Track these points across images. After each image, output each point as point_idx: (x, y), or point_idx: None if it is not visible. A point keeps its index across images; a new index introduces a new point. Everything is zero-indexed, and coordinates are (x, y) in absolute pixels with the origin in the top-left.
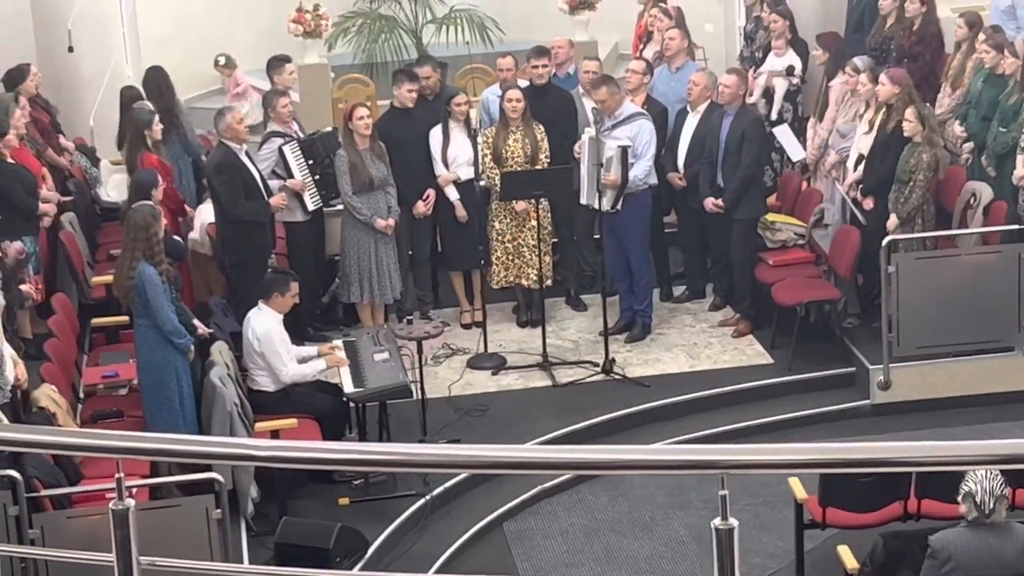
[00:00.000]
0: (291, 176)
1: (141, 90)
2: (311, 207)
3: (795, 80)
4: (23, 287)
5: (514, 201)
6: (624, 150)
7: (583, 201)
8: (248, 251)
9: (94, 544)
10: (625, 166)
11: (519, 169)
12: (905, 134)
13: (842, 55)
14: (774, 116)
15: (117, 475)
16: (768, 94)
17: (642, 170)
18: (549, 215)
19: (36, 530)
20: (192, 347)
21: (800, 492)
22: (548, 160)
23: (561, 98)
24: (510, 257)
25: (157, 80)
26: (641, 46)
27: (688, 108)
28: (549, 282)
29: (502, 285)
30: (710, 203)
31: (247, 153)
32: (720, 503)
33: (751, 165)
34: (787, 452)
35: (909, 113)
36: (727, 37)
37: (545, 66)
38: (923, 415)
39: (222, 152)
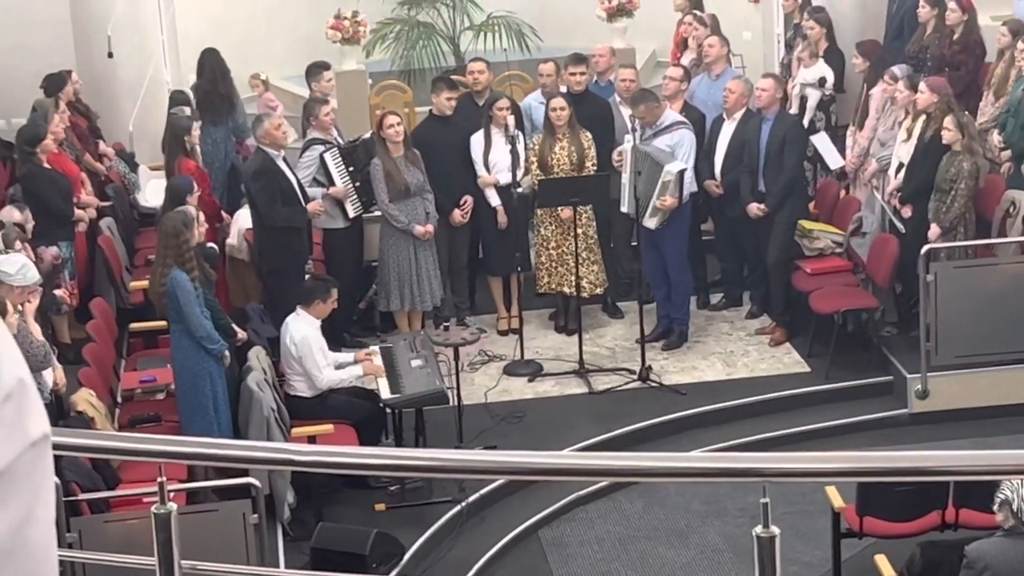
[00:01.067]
0: (332, 183)
1: (189, 94)
2: (352, 213)
3: (827, 91)
4: (57, 292)
5: (558, 208)
6: (682, 173)
7: (624, 209)
8: (285, 257)
9: (131, 548)
10: (682, 189)
11: (557, 176)
12: (944, 142)
13: (882, 63)
14: (805, 124)
15: (159, 479)
16: (802, 104)
17: (687, 180)
18: (594, 223)
19: (74, 534)
20: (227, 352)
21: (838, 501)
22: (595, 167)
23: (598, 106)
24: (554, 264)
25: (212, 63)
26: (679, 54)
27: (724, 116)
28: (599, 289)
29: (547, 291)
30: (754, 208)
31: (285, 159)
32: (762, 511)
33: (794, 167)
34: (829, 460)
35: (948, 121)
36: (765, 45)
37: (583, 73)
38: (961, 424)
39: (260, 158)
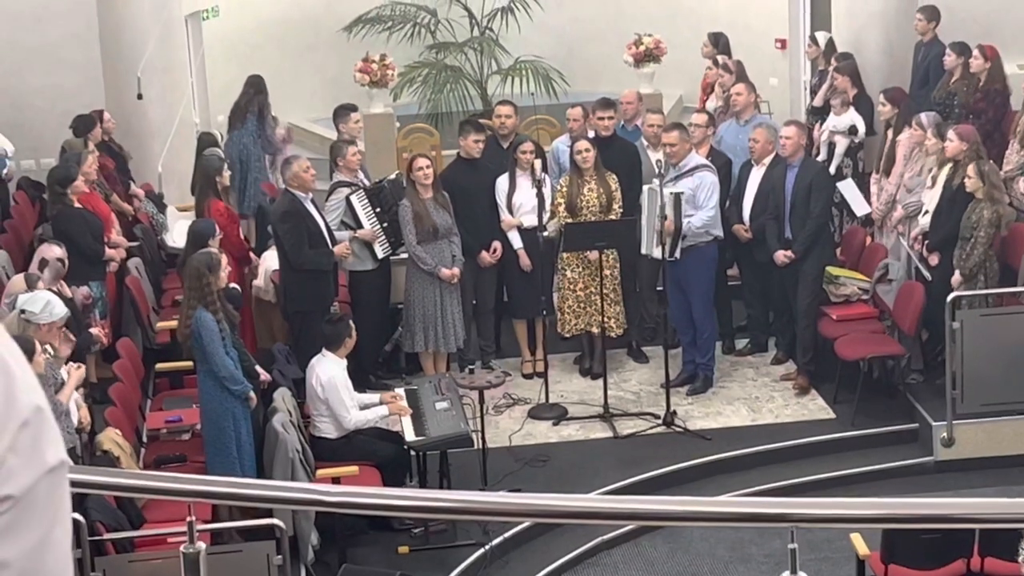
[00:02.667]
0: (359, 225)
1: (218, 135)
2: (380, 255)
3: (857, 139)
4: (92, 330)
5: (583, 251)
6: (677, 196)
7: (643, 251)
8: (311, 299)
9: None
10: (678, 213)
11: (583, 220)
12: (968, 190)
13: (909, 110)
14: (832, 170)
15: (188, 518)
16: (830, 150)
17: (701, 220)
18: (618, 265)
19: (98, 573)
20: (252, 393)
21: (863, 548)
22: (621, 209)
23: (626, 150)
24: (582, 306)
25: (254, 82)
26: (706, 99)
27: (752, 162)
28: (621, 331)
29: (573, 333)
30: (781, 256)
31: (313, 201)
32: (790, 556)
33: (821, 215)
34: (858, 506)
35: (971, 169)
36: (792, 91)
37: (611, 118)
38: (986, 472)
39: (288, 200)
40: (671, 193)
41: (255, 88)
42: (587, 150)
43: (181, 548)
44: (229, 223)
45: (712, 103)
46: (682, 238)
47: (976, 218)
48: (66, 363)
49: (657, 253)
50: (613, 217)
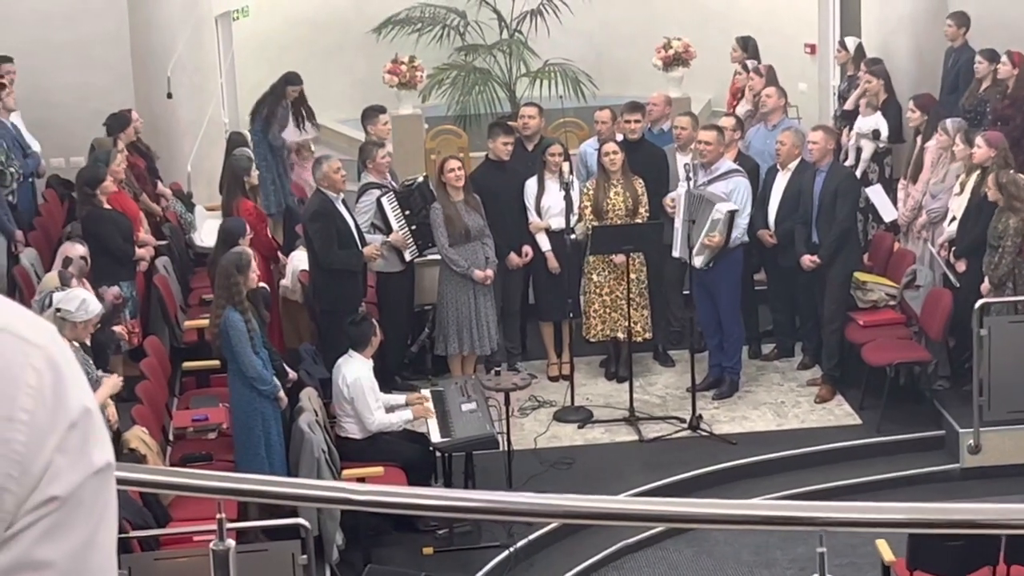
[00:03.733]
0: (389, 227)
1: (246, 135)
2: (408, 258)
3: (881, 144)
4: (116, 328)
5: (611, 254)
6: (732, 214)
7: (675, 254)
8: (339, 299)
9: None
10: (730, 230)
11: (610, 223)
12: (989, 199)
13: (937, 117)
14: (858, 174)
15: (218, 515)
16: (857, 155)
17: (740, 228)
18: (644, 269)
19: (124, 571)
20: (281, 393)
21: (888, 554)
22: (648, 213)
23: (653, 154)
24: (607, 310)
25: (276, 86)
26: (735, 103)
27: (778, 167)
28: (648, 335)
29: (599, 338)
30: (807, 260)
31: (344, 202)
32: (818, 561)
33: (847, 219)
34: (886, 511)
35: (990, 180)
36: (820, 96)
37: (638, 121)
38: (1013, 480)
39: (318, 200)
40: (728, 212)
41: (272, 92)
42: (615, 153)
43: (211, 545)
44: (258, 222)
45: (742, 107)
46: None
47: (1002, 227)
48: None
49: (696, 262)
50: (639, 220)
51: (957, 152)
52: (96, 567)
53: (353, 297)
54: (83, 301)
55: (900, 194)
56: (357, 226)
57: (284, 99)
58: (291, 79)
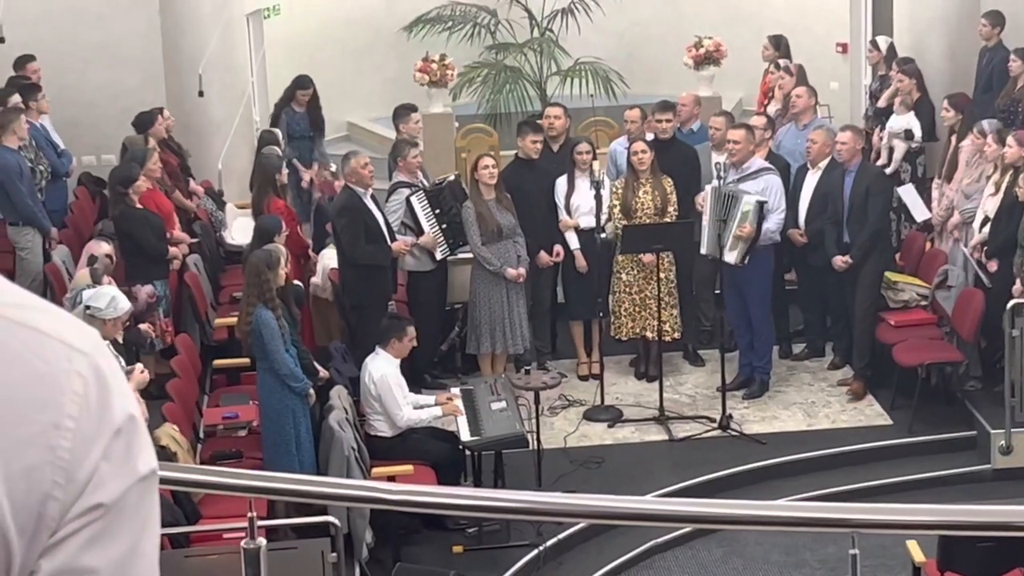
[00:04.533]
0: (419, 226)
1: (278, 134)
2: (439, 256)
3: (914, 144)
4: (142, 326)
5: (640, 253)
6: (761, 205)
7: (703, 251)
8: (368, 294)
9: None
10: (760, 221)
11: (640, 223)
12: (1020, 199)
13: (972, 116)
14: (889, 172)
15: (249, 513)
16: (890, 154)
17: (775, 223)
18: (674, 268)
19: None
20: (311, 391)
21: (919, 555)
22: (676, 212)
23: (684, 153)
24: (637, 309)
25: (287, 90)
26: (766, 103)
27: (808, 165)
28: (677, 335)
29: (629, 337)
30: (839, 260)
31: (373, 198)
32: (850, 562)
33: (878, 219)
34: (919, 512)
35: (1021, 179)
36: (852, 95)
37: (669, 121)
38: None
39: (346, 195)
40: (757, 202)
41: (283, 96)
42: (644, 152)
43: (242, 544)
44: (289, 221)
45: (773, 107)
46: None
47: None
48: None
49: (729, 258)
50: (668, 220)
51: (988, 152)
52: (140, 575)
53: (382, 292)
54: (112, 299)
55: (934, 194)
56: (387, 222)
57: (293, 103)
58: (301, 82)
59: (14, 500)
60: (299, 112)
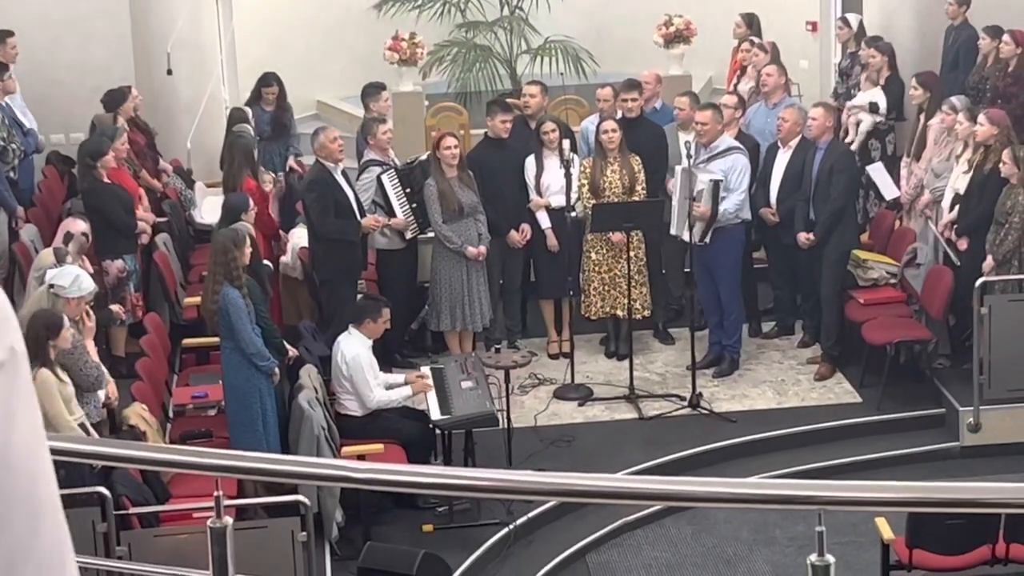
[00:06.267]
0: (389, 205)
1: (247, 110)
2: (409, 235)
3: (879, 118)
4: (113, 307)
5: (610, 232)
6: (716, 184)
7: (672, 231)
8: (338, 269)
9: (181, 562)
10: (716, 199)
11: (610, 201)
12: (1003, 175)
13: (941, 94)
14: (855, 147)
15: (216, 492)
16: (856, 129)
17: (733, 203)
18: (643, 246)
19: (123, 547)
20: (276, 370)
21: (887, 533)
22: (644, 191)
23: (652, 132)
24: (607, 288)
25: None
26: (735, 81)
27: (779, 144)
28: (647, 312)
29: (599, 316)
30: (802, 237)
31: (344, 173)
32: (817, 538)
33: (840, 197)
34: (886, 490)
35: (1006, 155)
36: (822, 73)
37: (635, 100)
38: (1012, 458)
39: (316, 170)
40: (711, 180)
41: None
42: (613, 130)
43: (208, 523)
44: (259, 200)
45: (745, 85)
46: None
47: (1011, 204)
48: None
49: (687, 235)
50: (636, 199)
51: (959, 130)
52: (19, 443)
53: (352, 267)
54: (76, 277)
55: (903, 172)
56: (357, 198)
57: (261, 102)
58: (264, 80)
59: None
60: (268, 112)
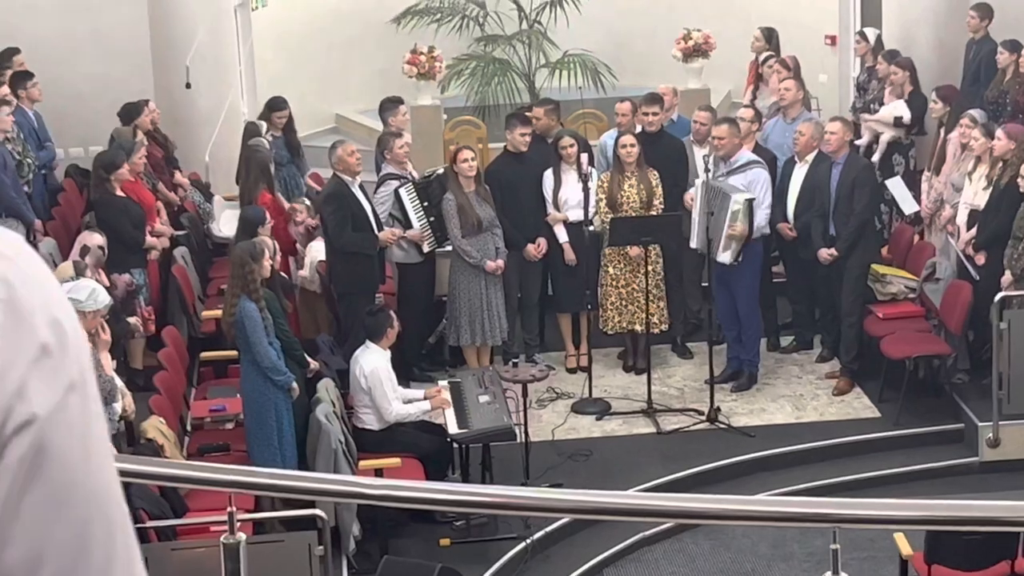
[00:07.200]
0: (407, 218)
1: (262, 125)
2: (427, 249)
3: (903, 133)
4: (131, 320)
5: (627, 246)
6: (750, 202)
7: (693, 245)
8: (355, 283)
9: None
10: (751, 218)
11: (628, 215)
12: (1022, 190)
13: (961, 108)
14: (875, 160)
15: (229, 508)
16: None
17: (761, 218)
18: (661, 260)
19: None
20: (294, 384)
21: (906, 548)
22: (662, 206)
23: (672, 146)
24: (624, 302)
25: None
26: (751, 95)
27: (796, 158)
28: (665, 326)
29: (616, 331)
30: (824, 253)
31: (362, 187)
32: (831, 557)
33: (864, 211)
34: (901, 508)
35: (1023, 170)
36: (841, 87)
37: (656, 114)
38: None
39: (334, 183)
40: (745, 200)
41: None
42: (632, 145)
43: (221, 539)
44: (276, 214)
45: (766, 99)
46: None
47: None
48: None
49: (722, 258)
50: (654, 213)
51: (975, 145)
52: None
53: (369, 281)
54: (92, 291)
55: (923, 186)
56: (374, 211)
57: (271, 127)
58: (273, 104)
59: None
60: (277, 137)
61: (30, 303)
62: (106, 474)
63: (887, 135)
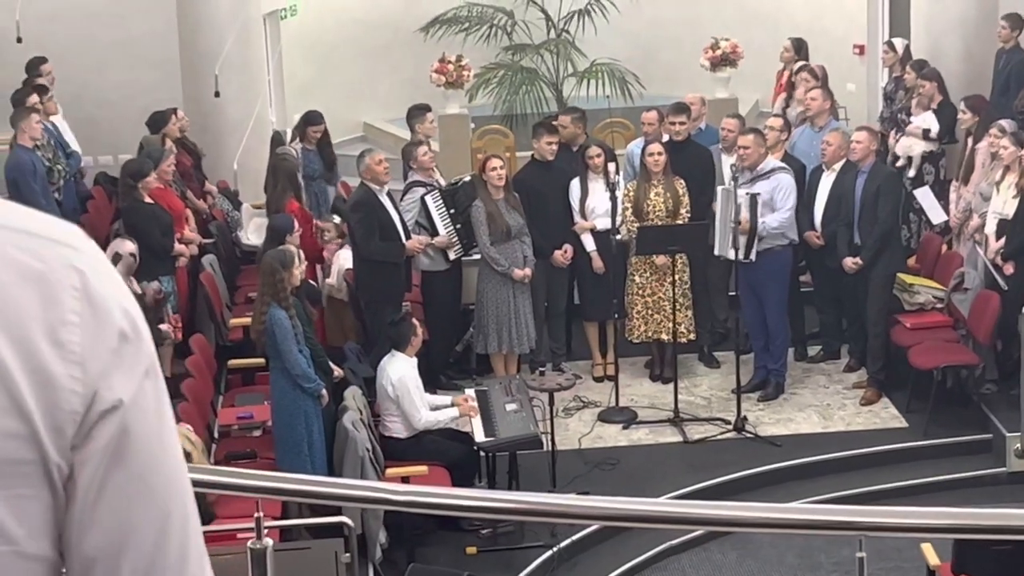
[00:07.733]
0: (433, 225)
1: (286, 133)
2: (453, 257)
3: (931, 146)
4: (162, 327)
5: (654, 255)
6: (753, 197)
7: (716, 252)
8: (382, 291)
9: None
10: (754, 213)
11: (655, 224)
12: None
13: (990, 118)
14: (911, 173)
15: (256, 514)
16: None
17: (777, 220)
18: (688, 269)
19: None
20: (324, 392)
21: (933, 558)
22: (688, 215)
23: (700, 154)
24: (650, 311)
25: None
26: (782, 103)
27: (823, 167)
28: (692, 336)
29: (642, 340)
30: (849, 262)
31: (389, 195)
32: (857, 565)
33: (888, 219)
34: (927, 516)
35: None
36: (869, 97)
37: (683, 123)
38: None
39: (361, 192)
40: (747, 194)
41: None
42: (659, 154)
43: (248, 544)
44: (303, 222)
45: (795, 109)
46: (757, 240)
47: None
48: None
49: (731, 255)
50: (680, 221)
51: (1004, 155)
52: (169, 466)
53: (396, 290)
54: None
55: (952, 196)
56: (402, 220)
57: (304, 141)
58: (310, 119)
59: (37, 399)
60: (311, 150)
61: (104, 292)
62: (179, 461)
63: (919, 148)
